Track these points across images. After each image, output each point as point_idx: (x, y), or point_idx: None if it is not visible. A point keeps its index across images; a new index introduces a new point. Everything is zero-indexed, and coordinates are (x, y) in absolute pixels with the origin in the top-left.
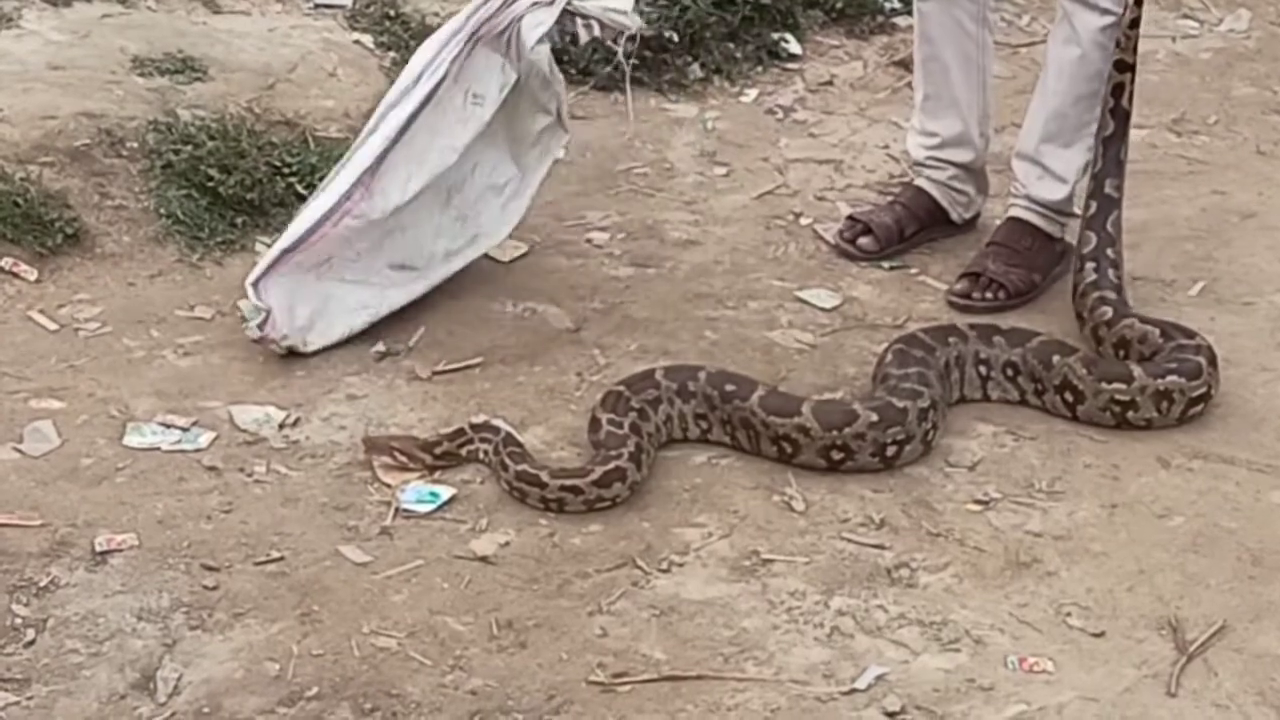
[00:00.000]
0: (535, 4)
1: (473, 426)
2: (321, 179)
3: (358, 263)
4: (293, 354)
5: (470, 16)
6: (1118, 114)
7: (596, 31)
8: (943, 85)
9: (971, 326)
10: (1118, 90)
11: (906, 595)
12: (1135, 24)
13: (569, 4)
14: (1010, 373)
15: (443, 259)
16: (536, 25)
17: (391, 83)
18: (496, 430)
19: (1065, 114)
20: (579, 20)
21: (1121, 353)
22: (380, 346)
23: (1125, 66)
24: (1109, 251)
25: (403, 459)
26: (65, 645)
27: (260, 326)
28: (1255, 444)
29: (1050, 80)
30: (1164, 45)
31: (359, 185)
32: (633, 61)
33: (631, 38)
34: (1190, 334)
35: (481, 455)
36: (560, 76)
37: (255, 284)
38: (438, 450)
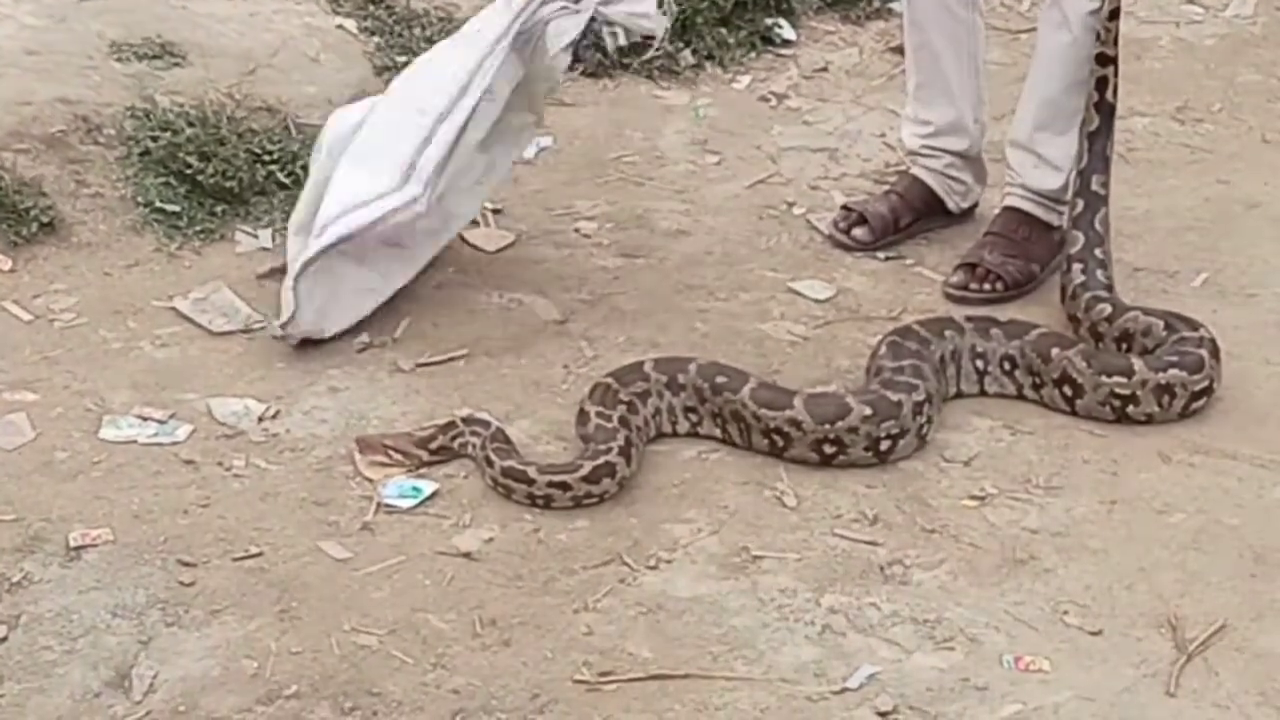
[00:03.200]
0: (564, 9)
1: (464, 420)
2: (303, 167)
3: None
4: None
5: (513, 23)
6: (1102, 108)
7: (623, 40)
8: (934, 72)
9: (968, 319)
10: (1101, 84)
11: (900, 593)
12: (1115, 15)
13: (595, 12)
14: (1008, 366)
15: (425, 236)
16: (562, 33)
17: (375, 69)
18: (487, 425)
19: (1058, 101)
20: (605, 27)
21: (1124, 346)
22: (363, 338)
23: (1107, 60)
24: (1097, 252)
25: (398, 457)
26: (38, 642)
27: (284, 326)
28: (1258, 439)
29: (1042, 67)
30: (1168, 31)
31: (423, 196)
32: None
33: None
34: (1194, 326)
35: (470, 450)
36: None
37: (295, 283)
38: (433, 445)
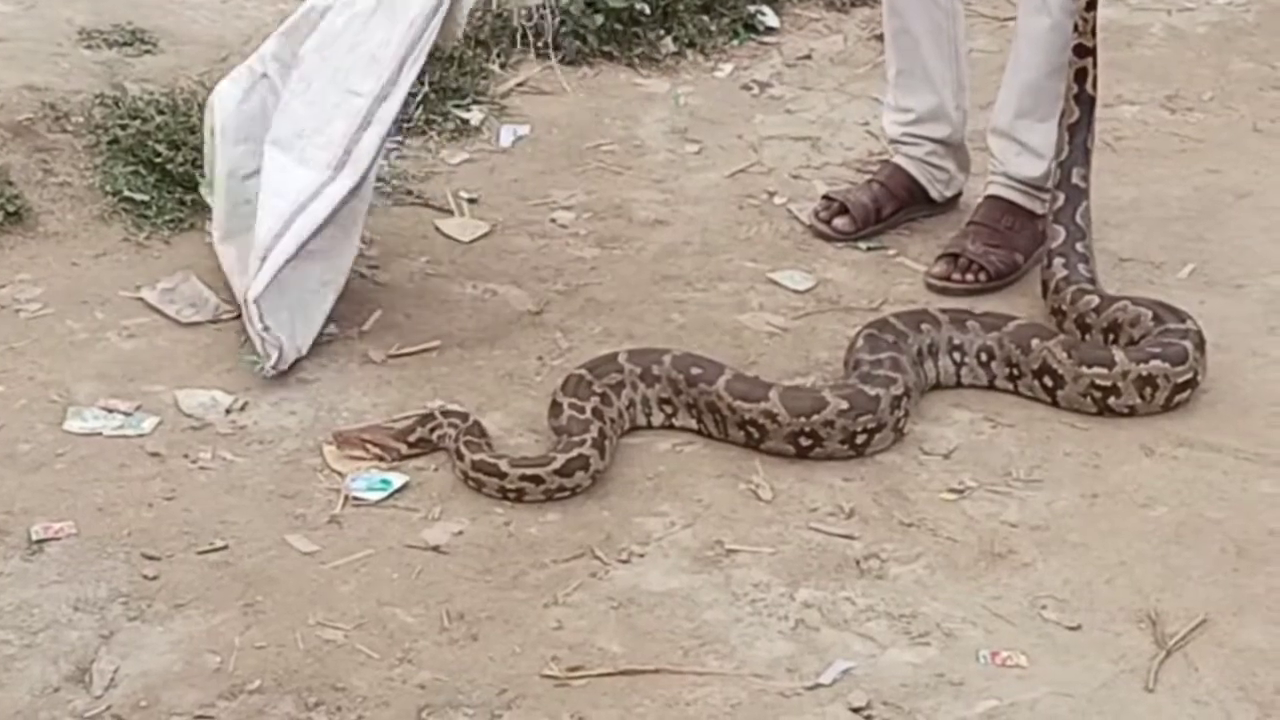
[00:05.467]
0: None
1: (442, 412)
2: None
3: None
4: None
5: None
6: (1082, 100)
7: None
8: (914, 59)
9: (943, 311)
10: (1080, 76)
11: (875, 587)
12: (1092, 5)
13: None
14: (984, 358)
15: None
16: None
17: None
18: (465, 416)
19: (1040, 86)
20: None
21: (1112, 337)
22: (333, 329)
23: (1085, 50)
24: (1078, 246)
25: (376, 450)
26: None
27: (275, 365)
28: (1243, 431)
29: (1022, 52)
30: (1159, 18)
31: (365, 179)
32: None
33: None
34: (1182, 317)
35: (447, 442)
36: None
37: (257, 302)
38: (411, 438)
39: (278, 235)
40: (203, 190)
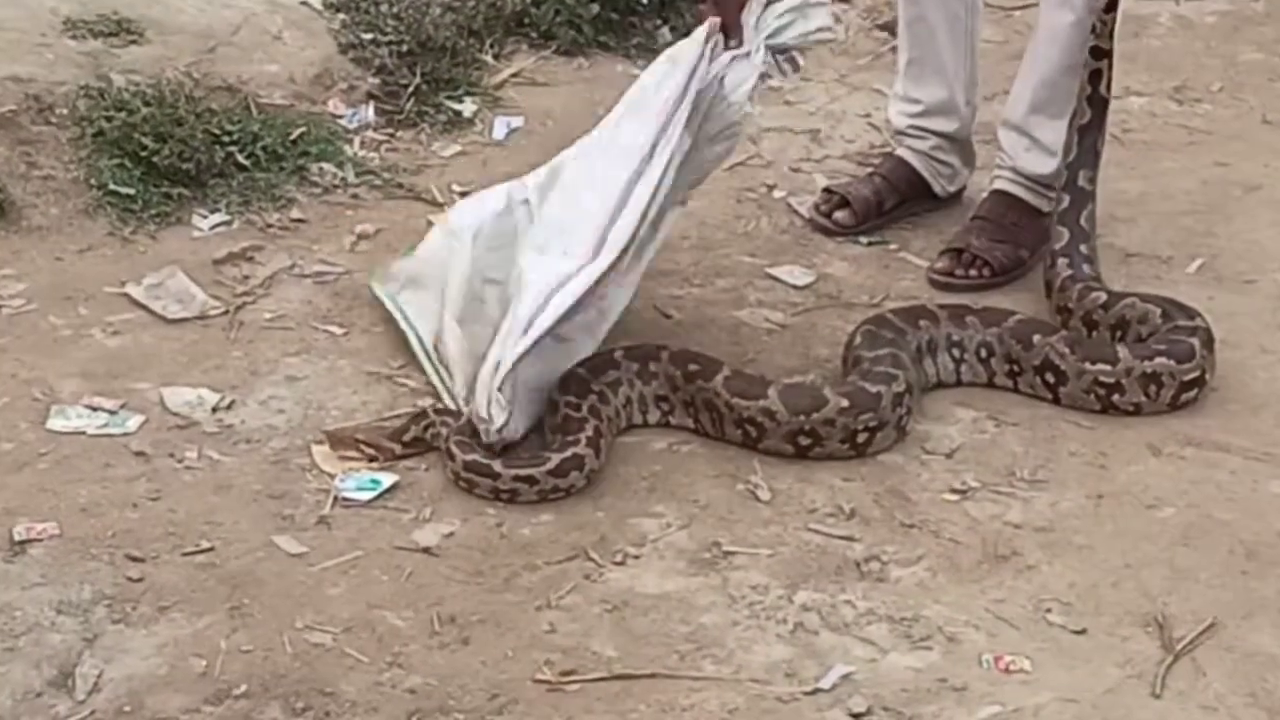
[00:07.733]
0: (735, 58)
1: (435, 410)
2: (264, 148)
3: None
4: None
5: (689, 83)
6: (1095, 102)
7: (802, 62)
8: (928, 49)
9: (942, 307)
10: (1095, 77)
11: (876, 590)
12: (1112, 7)
13: (768, 45)
14: (984, 354)
15: (583, 330)
16: (740, 83)
17: (340, 46)
18: (457, 414)
19: (1056, 82)
20: (776, 59)
21: (1120, 334)
22: (324, 325)
23: (1102, 53)
24: (1082, 248)
25: (370, 450)
26: None
27: (500, 431)
28: (1253, 431)
29: (1041, 46)
30: (1167, 8)
31: (614, 269)
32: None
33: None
34: (1191, 314)
35: (441, 441)
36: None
37: (500, 387)
38: (406, 438)
39: (539, 309)
40: (374, 282)
